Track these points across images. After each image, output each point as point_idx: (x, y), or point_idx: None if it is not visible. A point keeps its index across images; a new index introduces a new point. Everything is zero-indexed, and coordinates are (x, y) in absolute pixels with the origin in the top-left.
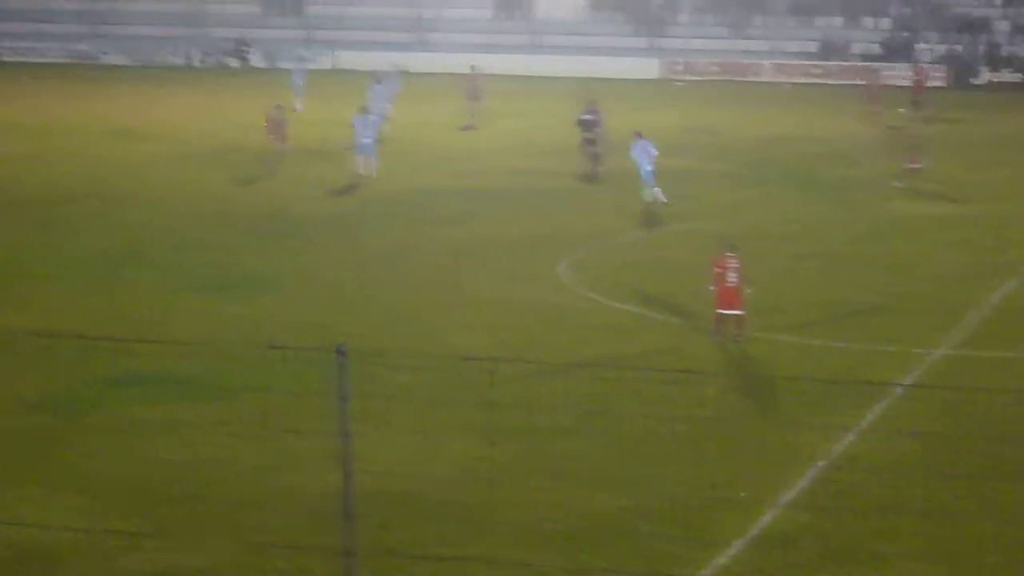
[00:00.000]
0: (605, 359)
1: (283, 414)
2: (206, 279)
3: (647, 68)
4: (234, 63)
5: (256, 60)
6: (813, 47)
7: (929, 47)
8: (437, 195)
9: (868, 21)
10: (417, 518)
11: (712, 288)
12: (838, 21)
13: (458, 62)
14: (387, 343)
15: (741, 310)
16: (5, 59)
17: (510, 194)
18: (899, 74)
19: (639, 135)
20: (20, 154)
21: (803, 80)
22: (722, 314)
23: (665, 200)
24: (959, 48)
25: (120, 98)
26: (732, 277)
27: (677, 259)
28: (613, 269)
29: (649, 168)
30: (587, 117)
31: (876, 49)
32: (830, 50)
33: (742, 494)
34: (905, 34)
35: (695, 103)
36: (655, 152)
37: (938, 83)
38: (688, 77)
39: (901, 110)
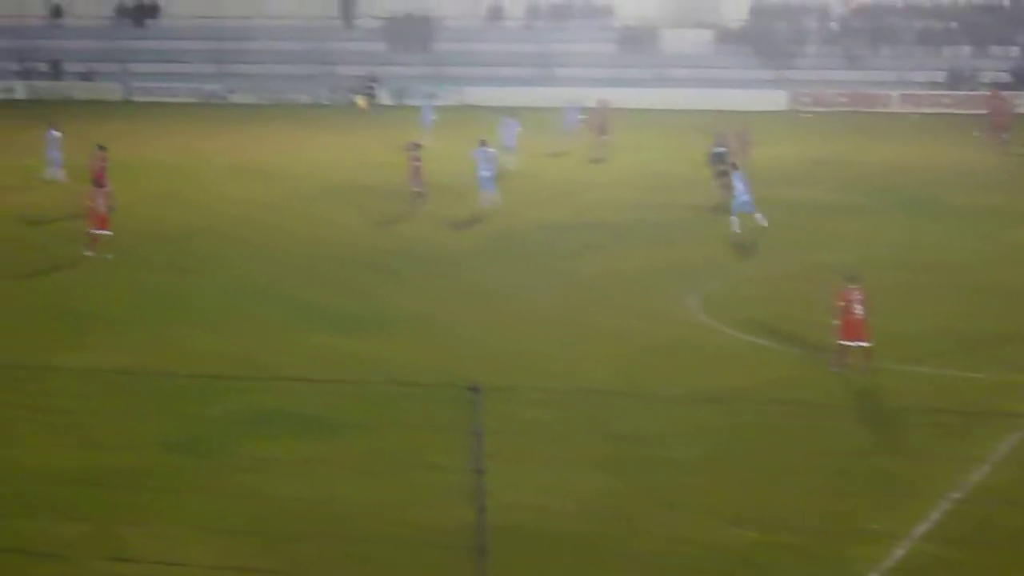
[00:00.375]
0: (732, 392)
1: (413, 450)
2: (335, 316)
3: (774, 100)
4: (363, 101)
5: (384, 97)
6: (940, 77)
7: None
8: (563, 229)
9: (996, 50)
10: (548, 552)
11: (836, 322)
12: (965, 50)
13: (584, 96)
14: (513, 378)
15: (868, 342)
16: (136, 99)
17: (635, 227)
18: None
19: (734, 166)
20: (150, 193)
21: (931, 110)
22: (846, 346)
23: (737, 231)
24: None
25: (248, 136)
26: (857, 309)
27: (802, 290)
28: (739, 301)
29: (747, 198)
30: (719, 150)
31: (1005, 77)
32: (958, 79)
33: (874, 526)
34: None
35: (823, 134)
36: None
37: None
38: (816, 108)
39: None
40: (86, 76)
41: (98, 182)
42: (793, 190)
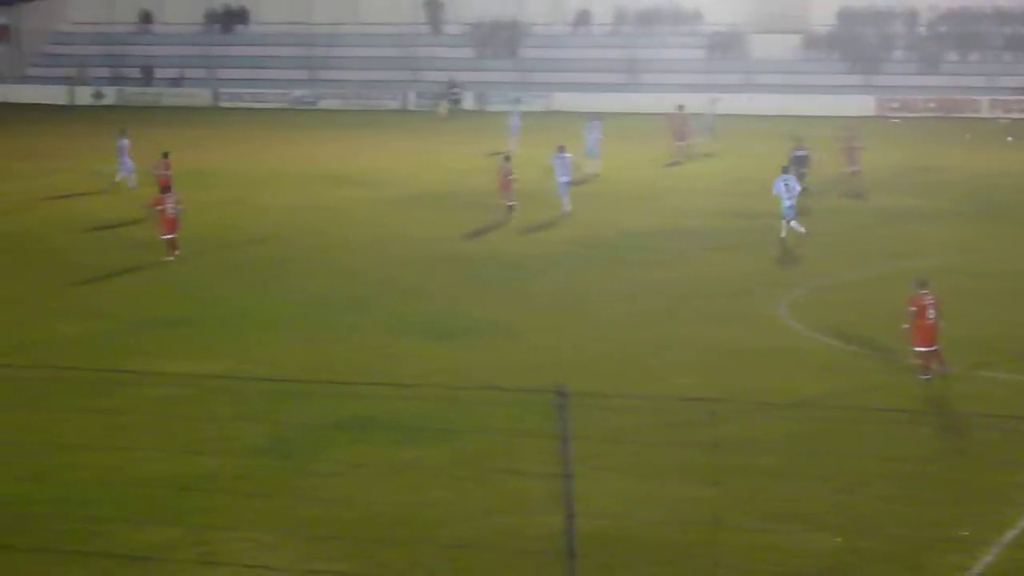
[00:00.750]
0: (822, 398)
1: (503, 456)
2: (425, 323)
3: (863, 105)
4: (443, 107)
5: (469, 102)
6: None
7: None
8: (650, 236)
9: None
10: (637, 560)
11: (905, 326)
12: None
13: (672, 102)
14: (603, 385)
15: (937, 345)
16: (224, 104)
17: (721, 234)
18: None
19: (785, 170)
20: (238, 199)
21: (1020, 115)
22: (924, 351)
23: (803, 230)
24: None
25: (337, 142)
26: (930, 313)
27: (888, 296)
28: (825, 306)
29: (789, 203)
30: (800, 153)
31: None
32: None
33: (963, 533)
34: None
35: (911, 140)
36: (798, 188)
37: None
38: (903, 114)
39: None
40: (176, 82)
41: (165, 188)
42: (881, 196)
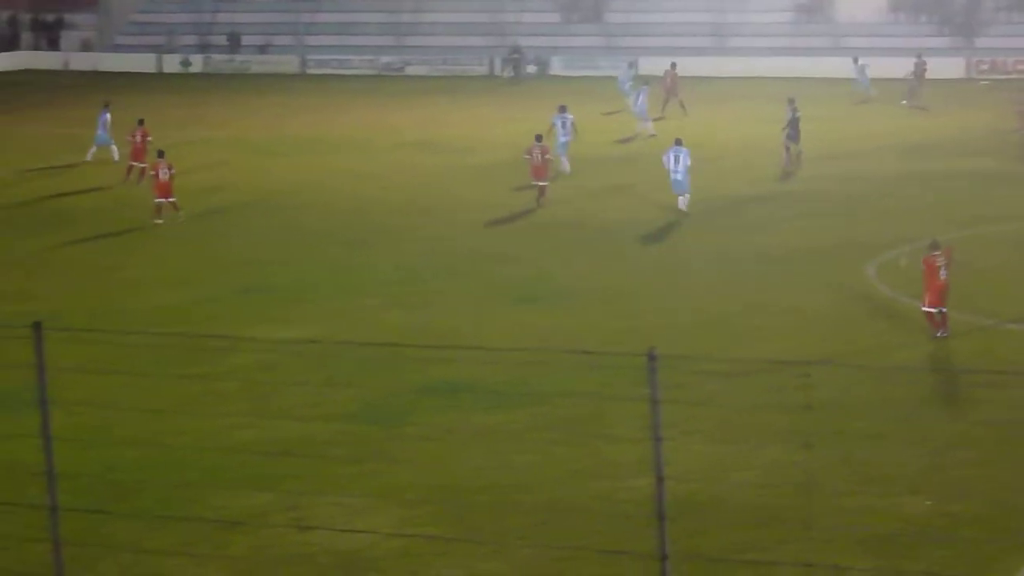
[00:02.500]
0: (916, 362)
1: (593, 420)
2: (514, 289)
3: (952, 68)
4: (506, 71)
5: (556, 68)
6: None
7: None
8: (744, 201)
9: None
10: (729, 523)
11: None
12: None
13: (759, 66)
14: (695, 349)
15: (945, 307)
16: (312, 71)
17: (817, 198)
18: None
19: (677, 142)
20: (323, 167)
21: None
22: (932, 312)
23: (687, 212)
24: None
25: (423, 108)
26: (943, 274)
27: (985, 261)
28: (917, 271)
29: (678, 178)
30: (798, 115)
31: None
32: None
33: None
34: None
35: (1001, 102)
36: (688, 162)
37: None
38: (994, 76)
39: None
40: (262, 49)
41: (138, 155)
42: (970, 160)
